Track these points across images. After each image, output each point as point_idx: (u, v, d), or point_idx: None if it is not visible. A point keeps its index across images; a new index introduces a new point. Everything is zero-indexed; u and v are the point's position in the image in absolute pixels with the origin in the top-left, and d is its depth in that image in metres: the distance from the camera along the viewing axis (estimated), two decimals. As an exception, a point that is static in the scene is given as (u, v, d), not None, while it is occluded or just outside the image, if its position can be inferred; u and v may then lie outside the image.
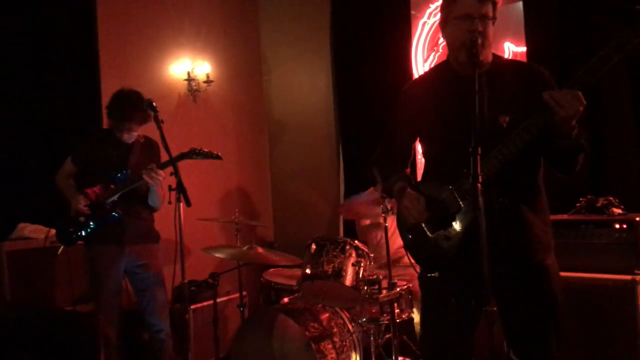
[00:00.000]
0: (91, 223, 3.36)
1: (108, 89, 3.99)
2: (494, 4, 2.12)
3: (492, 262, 1.74)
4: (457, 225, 2.08)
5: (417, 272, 2.34)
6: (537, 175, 2.16)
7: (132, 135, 3.48)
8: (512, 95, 2.07)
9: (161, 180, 3.28)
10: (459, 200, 2.06)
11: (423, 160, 2.37)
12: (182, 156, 3.28)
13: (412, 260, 2.29)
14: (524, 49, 4.04)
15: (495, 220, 1.84)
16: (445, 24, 2.20)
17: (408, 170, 2.43)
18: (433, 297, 2.26)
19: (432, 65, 4.65)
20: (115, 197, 3.36)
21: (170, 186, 3.09)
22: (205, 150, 3.37)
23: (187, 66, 5.14)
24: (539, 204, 2.15)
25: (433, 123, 2.22)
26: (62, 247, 3.44)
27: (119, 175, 3.39)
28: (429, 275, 2.24)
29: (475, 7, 2.06)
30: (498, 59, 2.22)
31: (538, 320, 2.10)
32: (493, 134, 1.95)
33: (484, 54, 2.09)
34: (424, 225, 2.17)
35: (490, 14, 2.09)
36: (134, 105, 3.37)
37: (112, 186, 3.38)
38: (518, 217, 2.07)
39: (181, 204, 3.06)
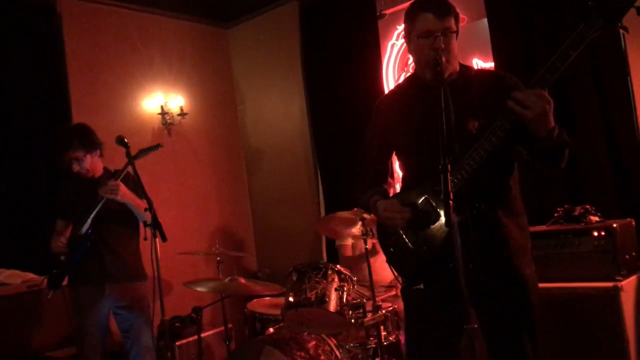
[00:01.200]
0: (70, 257, 3.29)
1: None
2: (456, 17, 2.13)
3: (470, 268, 1.74)
4: (437, 235, 2.07)
5: (400, 285, 2.32)
6: (510, 179, 2.16)
7: (86, 167, 3.40)
8: (480, 101, 2.09)
9: (119, 188, 3.20)
10: (437, 208, 2.06)
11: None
12: (129, 161, 3.15)
13: (396, 273, 2.28)
14: (491, 64, 4.09)
15: (472, 226, 1.85)
16: (409, 42, 2.22)
17: (386, 185, 2.42)
18: (416, 309, 2.25)
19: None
20: (88, 224, 3.28)
21: (145, 222, 3.04)
22: (145, 147, 3.29)
23: (160, 100, 5.14)
24: (514, 208, 2.15)
25: (405, 133, 2.23)
26: (50, 292, 3.31)
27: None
28: (413, 287, 2.22)
29: (435, 23, 2.07)
30: (465, 69, 2.24)
31: (514, 331, 2.10)
32: (463, 141, 1.96)
33: (449, 69, 2.12)
34: (404, 236, 2.17)
35: (453, 28, 2.10)
36: (70, 135, 3.38)
37: (84, 216, 3.31)
38: (493, 221, 2.07)
39: (157, 240, 3.02)
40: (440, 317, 2.11)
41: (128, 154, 3.11)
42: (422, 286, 2.15)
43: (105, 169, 3.49)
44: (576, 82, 3.62)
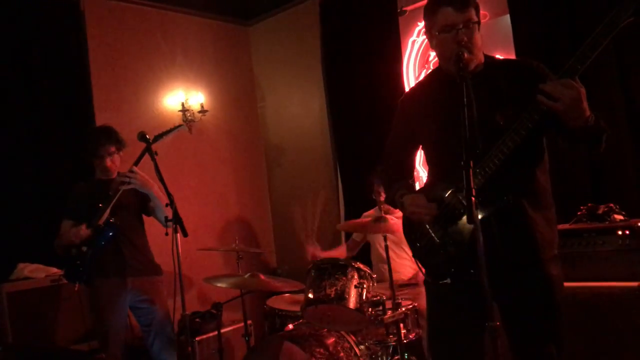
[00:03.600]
0: (92, 247, 3.32)
1: (102, 124, 4.00)
2: (476, 8, 2.10)
3: (497, 264, 1.72)
4: (464, 230, 2.04)
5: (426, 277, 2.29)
6: (539, 170, 2.13)
7: (116, 163, 3.51)
8: (508, 92, 2.06)
9: (138, 176, 3.29)
10: (463, 201, 2.03)
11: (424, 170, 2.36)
12: (150, 154, 3.19)
13: (422, 269, 2.27)
14: (514, 58, 4.04)
15: (497, 219, 1.83)
16: (430, 38, 2.20)
17: (411, 180, 2.41)
18: (440, 304, 2.24)
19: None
20: (106, 214, 3.33)
21: (166, 217, 3.07)
22: (163, 130, 3.35)
23: (181, 97, 5.17)
24: (542, 201, 2.12)
25: (431, 127, 2.21)
26: (77, 284, 3.36)
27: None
28: (440, 282, 2.20)
29: (456, 16, 2.04)
30: (490, 59, 2.21)
31: (537, 331, 2.07)
32: (491, 133, 1.95)
33: (473, 62, 2.09)
34: (431, 231, 2.15)
35: (474, 19, 2.07)
36: (108, 131, 3.50)
37: (99, 205, 3.35)
38: (520, 214, 2.04)
39: (178, 235, 3.04)
40: (464, 312, 2.09)
41: (150, 149, 3.15)
42: (448, 281, 2.13)
43: (118, 173, 3.55)
44: (600, 76, 3.56)
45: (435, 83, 2.28)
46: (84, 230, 3.30)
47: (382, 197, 4.06)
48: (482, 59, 2.18)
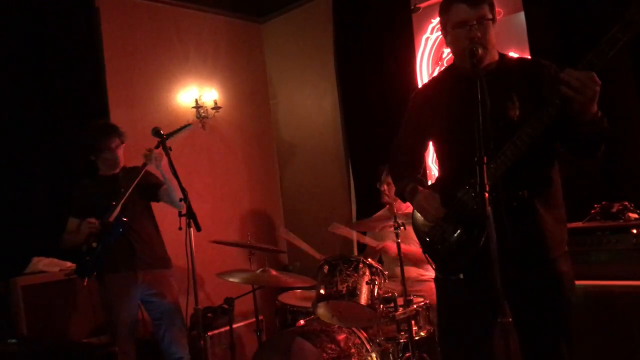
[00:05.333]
0: (102, 243, 3.35)
1: (117, 120, 4.04)
2: (490, 5, 2.11)
3: (507, 261, 1.73)
4: (475, 226, 2.04)
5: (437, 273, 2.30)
6: (552, 170, 2.14)
7: (120, 156, 3.53)
8: (521, 89, 2.07)
9: (160, 155, 3.30)
10: (475, 198, 2.03)
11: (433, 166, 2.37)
12: (161, 140, 3.25)
13: (432, 264, 2.27)
14: (528, 57, 4.02)
15: (508, 216, 1.83)
16: (445, 34, 2.22)
17: (419, 175, 2.43)
18: (451, 299, 2.24)
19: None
20: (117, 210, 3.35)
21: (180, 212, 3.09)
22: (172, 130, 3.40)
23: (195, 93, 5.19)
24: (553, 199, 2.12)
25: (443, 123, 2.22)
26: (85, 279, 3.40)
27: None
28: (451, 278, 2.20)
29: (470, 12, 2.06)
30: (505, 57, 2.23)
31: (548, 329, 2.07)
32: (504, 129, 1.95)
33: (487, 58, 2.10)
34: (442, 227, 2.16)
35: (488, 15, 2.08)
36: (110, 125, 3.55)
37: (112, 202, 3.38)
38: (531, 212, 2.05)
39: (192, 230, 3.06)
40: (475, 308, 2.10)
41: (164, 145, 3.17)
42: (461, 276, 2.13)
43: (123, 167, 3.57)
44: (614, 73, 3.53)
45: (449, 79, 2.29)
46: (93, 224, 3.32)
47: (385, 187, 4.09)
48: (497, 57, 2.19)
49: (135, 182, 3.36)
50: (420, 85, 4.68)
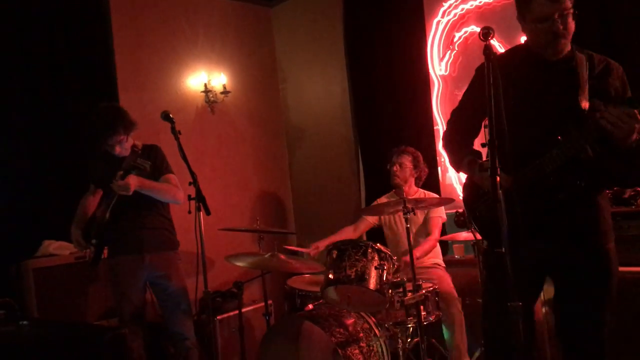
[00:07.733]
0: (100, 244, 3.39)
1: (126, 104, 4.03)
2: None
3: (561, 242, 2.05)
4: (534, 199, 2.13)
5: (484, 247, 2.43)
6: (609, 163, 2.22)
7: (124, 148, 3.41)
8: (591, 83, 2.14)
9: (129, 187, 3.19)
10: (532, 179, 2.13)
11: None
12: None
13: (478, 235, 2.37)
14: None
15: (571, 201, 2.01)
16: (523, 25, 2.22)
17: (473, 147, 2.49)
18: (497, 272, 2.25)
19: (450, 62, 4.65)
20: (107, 214, 3.32)
21: (189, 195, 3.09)
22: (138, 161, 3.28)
23: (204, 78, 5.18)
24: (605, 191, 2.28)
25: (508, 102, 2.21)
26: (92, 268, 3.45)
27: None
28: (496, 250, 2.24)
29: (552, 6, 2.07)
30: (576, 49, 2.25)
31: (596, 298, 2.19)
32: (577, 118, 2.05)
33: (567, 47, 2.18)
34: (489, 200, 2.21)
35: (569, 6, 2.10)
36: (114, 120, 3.33)
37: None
38: (591, 200, 2.18)
39: (201, 213, 3.06)
40: (517, 280, 2.14)
41: (173, 129, 3.16)
42: (503, 250, 2.18)
43: (133, 147, 3.40)
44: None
45: (521, 60, 2.29)
46: (79, 239, 3.40)
47: (396, 167, 4.08)
48: (569, 47, 2.22)
49: (114, 201, 3.30)
50: (430, 71, 4.67)
